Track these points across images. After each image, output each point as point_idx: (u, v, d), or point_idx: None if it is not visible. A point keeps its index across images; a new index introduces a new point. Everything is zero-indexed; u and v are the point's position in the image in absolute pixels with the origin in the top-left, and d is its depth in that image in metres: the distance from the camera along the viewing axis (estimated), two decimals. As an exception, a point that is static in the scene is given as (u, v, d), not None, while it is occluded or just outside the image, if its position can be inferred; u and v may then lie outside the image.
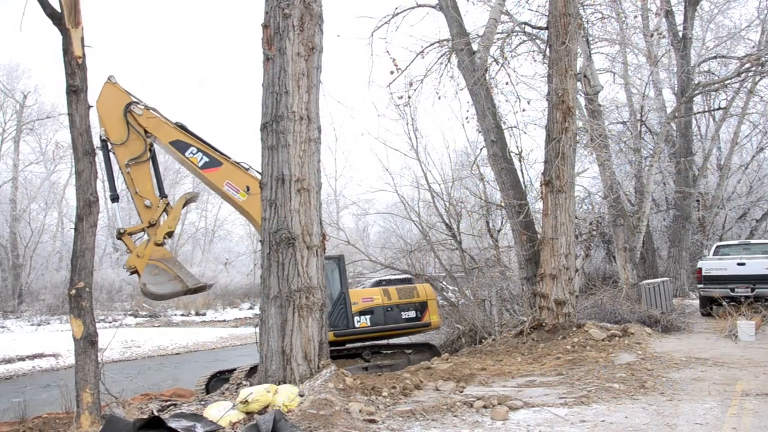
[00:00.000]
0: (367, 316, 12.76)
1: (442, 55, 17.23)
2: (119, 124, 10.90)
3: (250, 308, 32.01)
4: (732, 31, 22.48)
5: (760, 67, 19.83)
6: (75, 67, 7.53)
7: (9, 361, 22.70)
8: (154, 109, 11.06)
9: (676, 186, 23.30)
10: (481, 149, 18.20)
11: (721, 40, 22.47)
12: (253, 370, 10.72)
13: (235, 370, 11.86)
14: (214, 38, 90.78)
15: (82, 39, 7.61)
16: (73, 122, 7.57)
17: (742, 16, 43.03)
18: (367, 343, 13.03)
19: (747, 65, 19.68)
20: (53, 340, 26.05)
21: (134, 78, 72.77)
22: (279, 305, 8.06)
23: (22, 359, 22.98)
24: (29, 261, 42.98)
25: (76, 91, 7.52)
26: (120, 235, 11.00)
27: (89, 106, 7.70)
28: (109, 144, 10.84)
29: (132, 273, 10.91)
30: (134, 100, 10.96)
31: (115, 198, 11.52)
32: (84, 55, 7.61)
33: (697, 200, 24.95)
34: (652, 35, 21.61)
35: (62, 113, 38.92)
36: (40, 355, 23.62)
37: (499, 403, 6.96)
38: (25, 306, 39.85)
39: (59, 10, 7.55)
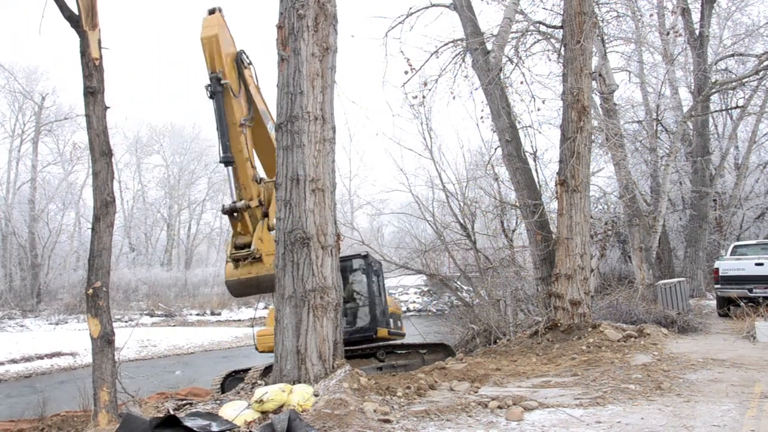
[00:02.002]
0: (392, 320, 13.30)
1: (456, 55, 17.22)
2: (232, 73, 9.36)
3: (265, 308, 32.14)
4: (750, 28, 22.25)
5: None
6: (92, 69, 7.60)
7: (28, 359, 23.04)
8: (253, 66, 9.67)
9: (693, 185, 23.09)
10: (495, 149, 18.16)
11: (739, 38, 22.24)
12: (268, 370, 10.74)
13: (250, 369, 11.91)
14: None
15: (99, 41, 7.69)
16: (90, 123, 7.64)
17: (761, 13, 42.66)
18: (381, 344, 13.08)
19: (765, 63, 19.45)
20: (71, 339, 26.40)
21: (147, 78, 73.34)
22: (294, 305, 8.08)
23: (40, 357, 23.32)
24: (47, 261, 43.53)
25: (93, 92, 7.59)
26: (237, 210, 9.27)
27: (106, 108, 7.78)
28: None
29: (235, 260, 9.37)
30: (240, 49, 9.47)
31: (230, 161, 9.39)
32: (101, 57, 7.68)
33: (714, 200, 24.70)
34: (668, 33, 21.44)
35: (80, 114, 39.26)
36: (58, 354, 23.95)
37: (514, 404, 6.94)
38: (43, 305, 40.37)
39: (77, 13, 7.63)
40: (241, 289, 9.98)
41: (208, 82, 9.33)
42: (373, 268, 12.67)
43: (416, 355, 13.27)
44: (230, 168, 9.59)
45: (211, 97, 9.36)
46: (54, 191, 45.33)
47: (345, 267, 12.56)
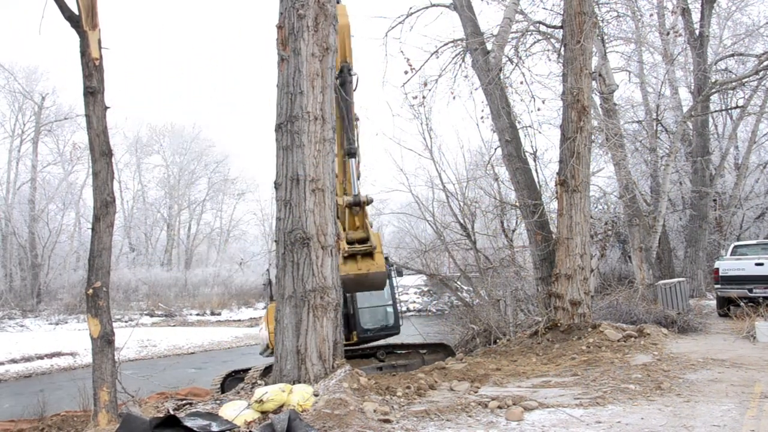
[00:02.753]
0: None
1: (456, 55, 17.23)
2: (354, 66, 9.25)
3: (264, 308, 32.16)
4: (750, 28, 22.24)
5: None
6: (92, 69, 7.59)
7: (28, 359, 23.03)
8: None
9: (693, 185, 23.07)
10: (495, 149, 18.17)
11: (739, 38, 22.23)
12: (268, 370, 10.76)
13: (250, 369, 11.92)
14: (227, 37, 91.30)
15: (99, 41, 7.68)
16: (90, 123, 7.63)
17: (761, 13, 42.66)
18: (381, 342, 13.11)
19: (765, 63, 19.44)
20: (71, 339, 26.39)
21: (147, 78, 73.37)
22: (294, 305, 8.08)
23: (40, 357, 23.31)
24: (47, 261, 43.50)
25: (93, 92, 7.58)
26: (359, 204, 9.06)
27: (106, 108, 7.77)
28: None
29: (349, 256, 9.09)
30: None
31: (355, 152, 9.25)
32: (101, 57, 7.67)
33: (714, 200, 24.68)
34: (668, 33, 21.43)
35: (80, 114, 39.38)
36: (58, 354, 23.95)
37: (514, 404, 6.94)
38: (43, 305, 40.35)
39: (77, 13, 7.62)
40: (351, 286, 9.74)
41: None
42: (394, 270, 12.98)
43: (416, 355, 13.29)
44: (353, 160, 9.43)
45: (341, 84, 9.16)
46: (54, 191, 45.29)
47: None
